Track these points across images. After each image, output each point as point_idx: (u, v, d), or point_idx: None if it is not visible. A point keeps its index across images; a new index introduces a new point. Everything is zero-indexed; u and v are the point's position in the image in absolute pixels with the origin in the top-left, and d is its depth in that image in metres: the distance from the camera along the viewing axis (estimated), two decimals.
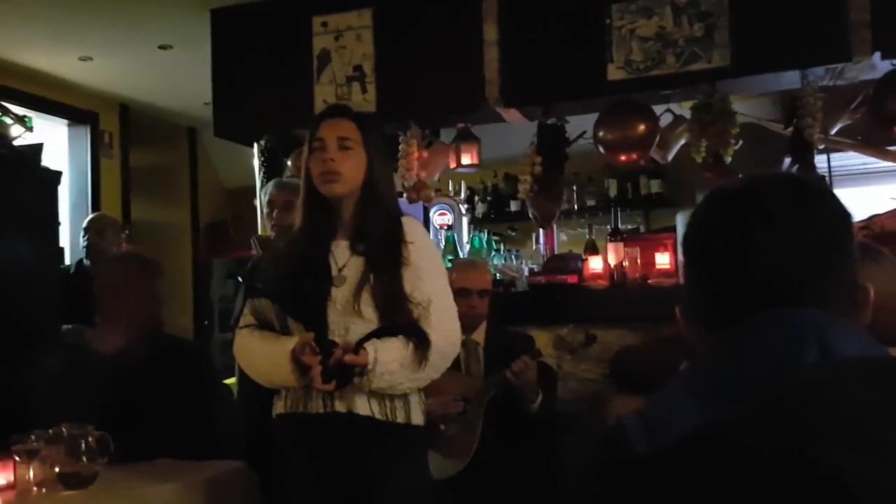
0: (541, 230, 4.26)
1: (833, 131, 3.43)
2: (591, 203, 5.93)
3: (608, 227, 4.18)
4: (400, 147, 3.63)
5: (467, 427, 2.72)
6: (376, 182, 2.10)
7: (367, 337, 1.97)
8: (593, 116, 3.46)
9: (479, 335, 2.91)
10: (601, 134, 3.41)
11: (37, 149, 3.47)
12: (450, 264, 3.23)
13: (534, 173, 3.45)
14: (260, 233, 3.83)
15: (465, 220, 5.25)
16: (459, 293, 2.54)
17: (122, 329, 2.53)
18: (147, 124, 5.86)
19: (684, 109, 3.49)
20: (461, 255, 4.10)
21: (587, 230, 4.04)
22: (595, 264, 3.53)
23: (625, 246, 3.54)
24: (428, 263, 2.09)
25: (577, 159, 3.65)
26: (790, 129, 3.22)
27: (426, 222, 4.75)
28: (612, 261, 3.54)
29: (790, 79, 3.22)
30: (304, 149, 2.16)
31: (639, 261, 3.47)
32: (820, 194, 0.93)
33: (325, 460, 2.02)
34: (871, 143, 3.66)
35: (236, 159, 4.97)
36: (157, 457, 2.31)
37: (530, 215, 3.65)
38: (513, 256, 4.25)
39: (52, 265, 3.58)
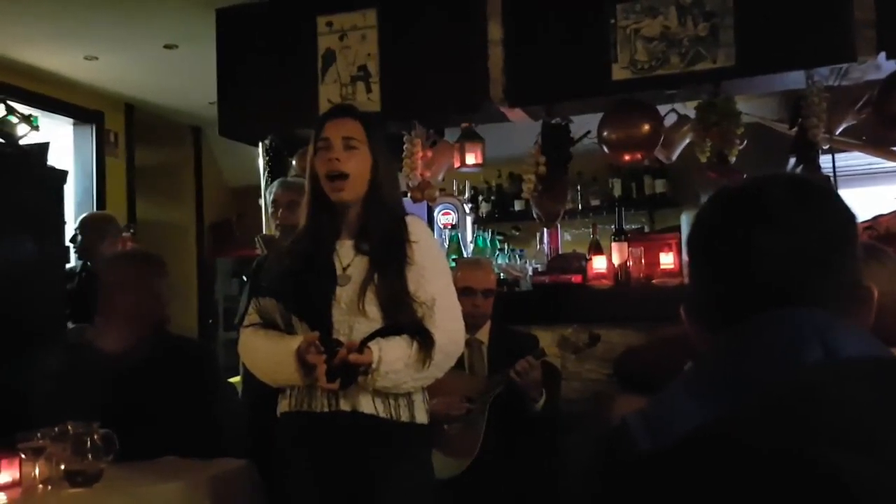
0: (545, 230, 4.25)
1: (838, 131, 3.42)
2: (595, 203, 5.92)
3: (612, 226, 4.18)
4: (404, 146, 3.63)
5: (471, 426, 2.72)
6: (381, 182, 2.11)
7: (372, 336, 1.98)
8: (597, 116, 3.45)
9: (484, 334, 2.91)
10: (605, 133, 3.41)
11: (43, 148, 3.49)
12: (454, 264, 3.23)
13: (538, 173, 3.45)
14: (264, 232, 3.84)
15: (468, 220, 5.24)
16: (463, 292, 2.54)
17: (126, 328, 2.53)
18: (152, 123, 5.87)
19: (689, 109, 3.48)
20: (465, 255, 4.10)
21: (591, 230, 4.02)
22: (599, 264, 3.53)
23: (629, 246, 3.54)
24: (432, 263, 2.09)
25: (581, 159, 3.65)
26: (795, 129, 3.22)
27: (430, 222, 4.75)
28: (616, 261, 3.54)
29: (795, 79, 3.22)
30: (308, 148, 2.16)
31: (643, 261, 3.47)
32: (823, 194, 0.93)
33: (329, 458, 2.03)
34: (876, 143, 3.65)
35: (241, 158, 4.99)
36: (161, 455, 2.32)
37: (534, 215, 3.65)
38: (517, 256, 4.25)
39: (57, 264, 3.60)
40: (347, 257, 2.08)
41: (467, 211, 5.17)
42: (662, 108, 3.45)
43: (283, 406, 2.12)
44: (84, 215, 4.15)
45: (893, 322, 1.09)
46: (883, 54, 2.95)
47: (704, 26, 3.13)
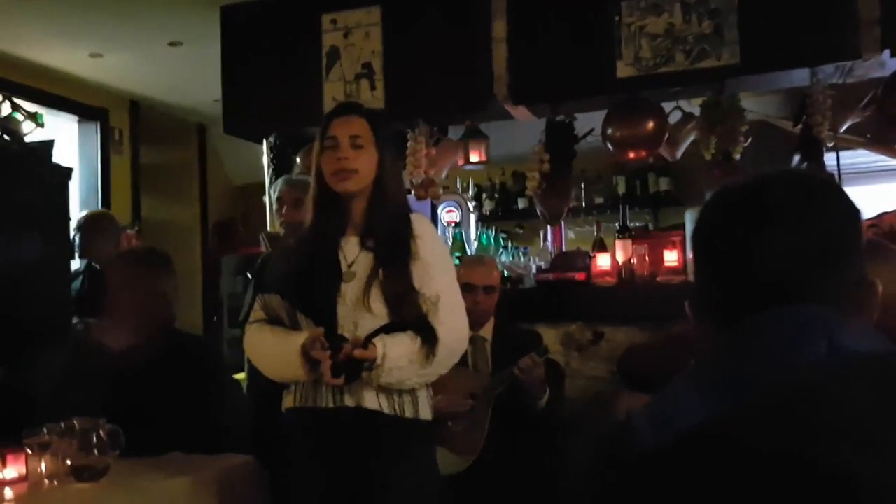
0: (549, 227, 4.27)
1: (842, 129, 3.42)
2: (599, 200, 5.92)
3: (616, 224, 4.18)
4: (408, 144, 3.64)
5: (474, 424, 2.73)
6: (387, 179, 2.11)
7: (376, 332, 1.99)
8: (602, 114, 3.45)
9: (487, 332, 2.91)
10: (610, 131, 3.40)
11: (48, 145, 3.50)
12: (458, 261, 3.23)
13: (542, 171, 3.45)
14: (269, 229, 3.84)
15: (472, 218, 5.26)
16: (464, 289, 2.53)
17: (132, 326, 2.54)
18: (157, 121, 5.88)
19: (693, 107, 3.48)
20: (469, 253, 4.10)
21: (595, 228, 4.04)
22: (603, 262, 3.53)
23: (633, 243, 3.54)
24: (437, 260, 2.10)
25: (585, 157, 3.65)
26: (799, 126, 3.22)
27: (434, 219, 4.76)
28: (620, 258, 3.54)
29: (799, 76, 3.21)
30: (313, 146, 2.17)
31: (647, 258, 3.47)
32: (826, 191, 0.92)
33: (333, 454, 2.03)
34: (881, 140, 3.64)
35: (245, 156, 4.99)
36: (166, 452, 2.33)
37: (538, 213, 3.65)
38: (521, 254, 4.26)
39: (62, 261, 3.61)
40: (352, 254, 2.08)
41: (471, 209, 5.19)
42: (667, 106, 3.45)
43: (287, 402, 2.12)
44: (81, 214, 4.12)
45: None
46: (887, 52, 2.95)
47: (709, 24, 3.12)
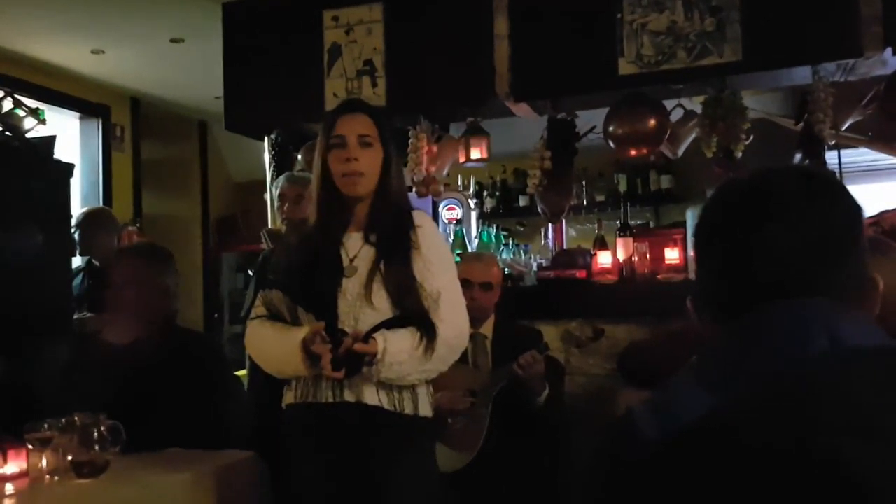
0: (550, 225, 4.26)
1: (844, 127, 3.41)
2: (600, 198, 5.92)
3: (617, 222, 4.17)
4: (409, 141, 3.64)
5: (474, 420, 2.73)
6: (391, 176, 2.12)
7: (377, 327, 1.99)
8: (603, 111, 3.45)
9: (487, 329, 2.91)
10: (611, 129, 3.40)
11: (49, 141, 3.50)
12: (458, 258, 3.23)
13: (543, 168, 3.45)
14: (270, 226, 3.85)
15: (473, 215, 5.25)
16: (462, 284, 2.54)
17: (134, 322, 2.54)
18: (158, 117, 5.88)
19: (695, 104, 3.48)
20: (469, 250, 4.10)
21: (596, 225, 4.03)
22: (604, 259, 3.53)
23: (634, 241, 3.54)
24: (438, 256, 2.10)
25: (586, 154, 3.64)
26: (801, 124, 3.21)
27: (435, 217, 4.76)
28: (621, 256, 3.54)
29: (801, 74, 3.21)
30: (316, 142, 2.17)
31: (648, 256, 3.47)
32: (827, 187, 0.92)
33: (334, 449, 2.04)
34: (882, 139, 3.64)
35: (247, 153, 4.99)
36: (167, 448, 2.33)
37: (539, 210, 3.65)
38: (521, 251, 4.25)
39: (63, 256, 3.62)
40: (354, 249, 2.09)
41: (472, 206, 5.18)
42: (668, 103, 3.44)
43: (288, 398, 2.13)
44: (80, 211, 4.12)
45: None
46: (889, 50, 2.95)
47: (711, 21, 3.12)
